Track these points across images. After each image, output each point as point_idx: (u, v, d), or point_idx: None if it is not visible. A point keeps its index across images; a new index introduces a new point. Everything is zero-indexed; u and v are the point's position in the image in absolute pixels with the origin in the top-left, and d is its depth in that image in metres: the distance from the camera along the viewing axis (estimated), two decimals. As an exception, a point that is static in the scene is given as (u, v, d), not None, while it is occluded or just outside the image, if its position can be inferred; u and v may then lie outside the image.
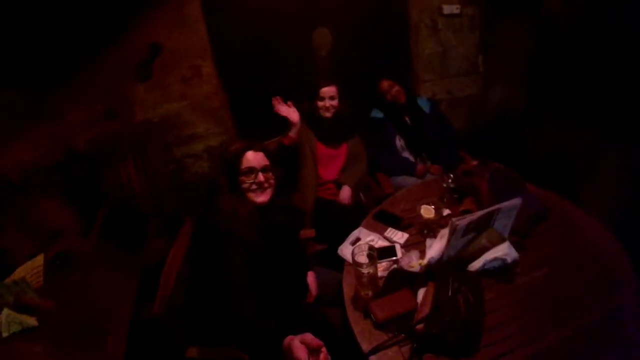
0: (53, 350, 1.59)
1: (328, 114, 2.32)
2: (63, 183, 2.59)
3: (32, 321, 1.68)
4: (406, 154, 2.55)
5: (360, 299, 1.37)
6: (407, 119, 2.54)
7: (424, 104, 2.62)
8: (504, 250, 1.39)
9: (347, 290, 1.44)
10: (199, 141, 2.86)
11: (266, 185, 1.55)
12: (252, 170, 1.53)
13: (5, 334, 1.64)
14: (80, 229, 2.38)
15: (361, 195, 2.38)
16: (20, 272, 1.88)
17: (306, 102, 2.35)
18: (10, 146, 2.57)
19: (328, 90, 2.29)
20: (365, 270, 1.33)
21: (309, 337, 0.98)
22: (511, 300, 1.32)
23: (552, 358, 1.12)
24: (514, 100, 3.37)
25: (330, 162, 2.42)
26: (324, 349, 0.97)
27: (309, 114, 2.35)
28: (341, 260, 1.61)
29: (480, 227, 1.41)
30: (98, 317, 1.66)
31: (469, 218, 1.34)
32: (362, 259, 1.34)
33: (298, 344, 0.97)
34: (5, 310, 1.69)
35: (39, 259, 1.99)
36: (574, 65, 2.96)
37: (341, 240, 1.72)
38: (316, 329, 1.11)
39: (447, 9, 2.96)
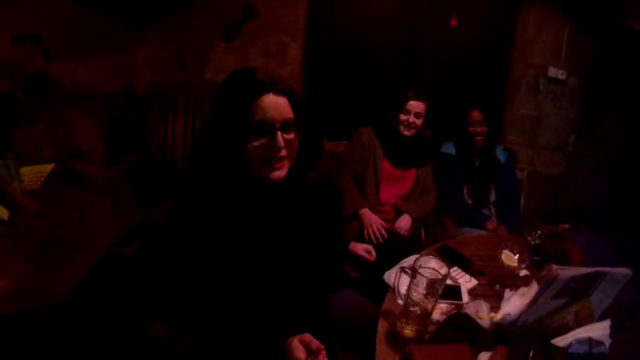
0: (8, 246, 1.44)
1: (407, 132, 2.04)
2: (107, 113, 2.49)
3: (2, 212, 1.50)
4: (470, 201, 2.28)
5: (399, 337, 1.06)
6: (477, 163, 2.28)
7: (500, 153, 2.35)
8: (602, 332, 1.06)
9: (384, 325, 1.11)
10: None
11: (286, 153, 0.97)
12: (268, 127, 0.93)
13: (-34, 216, 1.49)
14: (106, 161, 2.24)
15: (422, 231, 2.06)
16: (24, 171, 1.77)
17: (388, 110, 2.08)
18: (71, 65, 2.51)
19: (417, 105, 2.01)
20: (419, 300, 1.01)
21: (308, 337, 0.92)
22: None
23: None
24: (594, 193, 3.07)
25: (393, 183, 2.12)
26: (323, 352, 0.91)
27: (385, 126, 2.09)
28: (377, 293, 1.28)
29: (578, 292, 1.09)
30: (74, 238, 1.53)
31: (574, 272, 1.03)
32: (421, 283, 1.01)
33: (297, 344, 0.91)
34: None
35: (48, 167, 1.89)
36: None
37: (381, 272, 1.36)
38: None
39: (552, 72, 2.79)
